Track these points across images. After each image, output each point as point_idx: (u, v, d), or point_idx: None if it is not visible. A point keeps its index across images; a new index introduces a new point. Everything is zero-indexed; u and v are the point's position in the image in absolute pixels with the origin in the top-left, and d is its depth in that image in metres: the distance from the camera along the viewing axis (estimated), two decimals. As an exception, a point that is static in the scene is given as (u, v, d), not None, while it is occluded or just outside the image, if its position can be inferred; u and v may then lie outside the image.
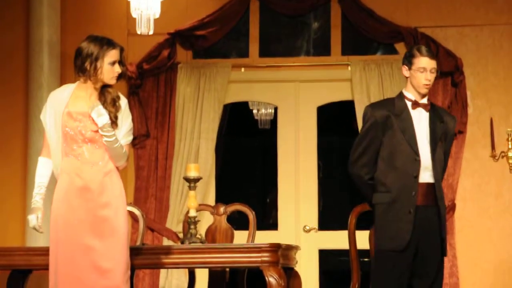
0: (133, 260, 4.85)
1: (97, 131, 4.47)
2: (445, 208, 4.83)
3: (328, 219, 7.41)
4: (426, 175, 4.75)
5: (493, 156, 7.12)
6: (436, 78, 7.07)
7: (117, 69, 4.48)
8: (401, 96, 4.87)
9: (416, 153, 4.72)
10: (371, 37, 7.37)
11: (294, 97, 7.45)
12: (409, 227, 4.69)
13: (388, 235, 4.73)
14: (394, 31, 7.26)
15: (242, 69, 7.47)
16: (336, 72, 7.41)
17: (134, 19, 6.19)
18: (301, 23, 7.53)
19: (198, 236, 5.45)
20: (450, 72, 7.16)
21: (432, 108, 4.86)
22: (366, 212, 6.01)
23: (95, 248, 4.40)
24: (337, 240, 7.11)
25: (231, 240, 5.99)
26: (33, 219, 4.51)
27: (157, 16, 6.20)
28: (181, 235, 6.56)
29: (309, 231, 7.28)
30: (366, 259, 6.22)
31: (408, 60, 4.81)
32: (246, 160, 8.04)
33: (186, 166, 5.81)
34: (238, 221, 6.67)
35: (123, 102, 4.56)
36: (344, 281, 6.05)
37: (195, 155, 7.23)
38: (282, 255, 5.15)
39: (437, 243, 4.78)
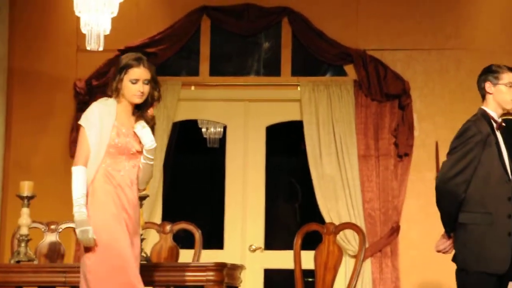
0: (69, 279, 4.83)
1: (139, 151, 4.47)
2: None
3: (274, 239, 7.43)
4: None
5: (438, 179, 7.21)
6: (385, 100, 7.26)
7: (140, 87, 4.44)
8: (486, 114, 4.75)
9: (508, 175, 4.66)
10: (321, 59, 7.44)
11: (243, 116, 7.48)
12: (509, 250, 4.60)
13: (491, 258, 4.58)
14: (343, 53, 7.34)
15: (192, 87, 7.48)
16: (285, 92, 7.46)
17: (84, 34, 6.16)
18: (251, 43, 7.57)
19: (143, 254, 5.42)
20: (397, 95, 7.26)
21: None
22: (311, 232, 6.05)
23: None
24: (283, 260, 7.13)
25: (177, 259, 5.98)
26: (90, 231, 4.33)
27: (107, 32, 6.17)
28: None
29: (254, 250, 7.29)
30: (310, 279, 6.26)
31: (493, 76, 4.73)
32: (194, 178, 8.02)
33: (133, 184, 5.76)
34: (184, 240, 6.65)
35: None
36: (289, 301, 6.08)
37: (143, 173, 7.19)
38: (227, 275, 5.15)
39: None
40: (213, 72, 7.50)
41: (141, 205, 5.50)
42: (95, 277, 4.36)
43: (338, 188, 7.14)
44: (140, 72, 4.46)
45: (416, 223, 7.23)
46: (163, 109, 7.30)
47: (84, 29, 6.13)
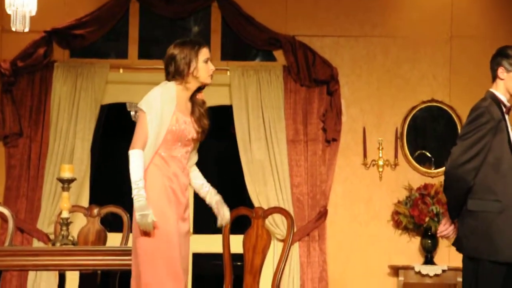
0: (1, 261, 4.73)
1: (194, 139, 4.46)
2: None
3: (203, 223, 7.42)
4: None
5: (365, 164, 7.33)
6: (313, 86, 7.33)
7: (211, 66, 4.49)
8: (496, 98, 4.61)
9: None
10: (250, 44, 7.45)
11: (172, 100, 7.42)
12: None
13: (504, 246, 4.48)
14: (272, 39, 7.36)
15: (121, 70, 7.41)
16: (215, 77, 7.14)
17: (9, 15, 6.02)
18: (181, 26, 7.53)
19: (70, 238, 5.36)
20: (326, 80, 7.32)
21: None
22: (240, 217, 6.07)
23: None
24: (212, 244, 7.14)
25: (104, 242, 5.93)
26: (150, 215, 4.26)
27: (34, 13, 6.04)
28: (52, 237, 6.44)
29: (183, 234, 7.28)
30: (239, 263, 6.28)
31: (508, 62, 4.58)
32: (122, 162, 7.94)
33: (60, 167, 5.71)
34: (112, 224, 6.60)
35: None
36: (217, 285, 6.09)
37: (70, 156, 7.12)
38: (156, 258, 5.11)
39: None
40: (142, 55, 7.45)
41: (68, 188, 5.45)
42: (141, 260, 4.32)
43: (267, 173, 7.18)
44: (208, 51, 4.52)
45: (343, 207, 7.32)
46: (91, 92, 7.23)
47: (9, 9, 5.99)
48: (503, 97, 4.62)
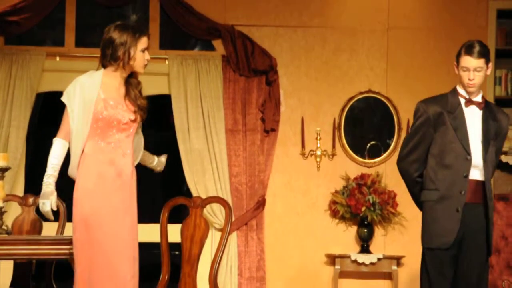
0: None
1: (133, 121, 4.45)
2: (493, 207, 4.74)
3: (141, 212, 7.37)
4: (476, 173, 4.69)
5: (303, 154, 7.38)
6: (252, 76, 7.33)
7: (147, 56, 4.50)
8: (455, 92, 4.78)
9: (467, 152, 4.66)
10: (189, 33, 7.42)
11: (110, 89, 7.36)
12: (456, 225, 4.62)
13: (434, 233, 4.66)
14: (211, 28, 7.35)
15: (57, 58, 7.31)
16: (153, 66, 7.33)
17: None
18: (119, 14, 7.47)
19: (4, 227, 5.30)
20: (265, 71, 7.34)
21: (486, 106, 4.77)
22: (178, 206, 6.06)
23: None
24: (149, 233, 7.10)
25: (39, 232, 5.87)
26: (47, 204, 4.31)
27: (-33, -2, 5.94)
28: (-15, 226, 6.33)
29: (121, 224, 7.23)
30: (176, 253, 6.27)
31: (456, 58, 4.74)
32: (58, 151, 7.86)
33: (-6, 155, 5.63)
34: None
35: None
36: (154, 275, 6.08)
37: (5, 144, 7.02)
38: (92, 248, 5.08)
39: (482, 242, 4.71)
40: (79, 43, 7.37)
41: (2, 177, 5.37)
42: (77, 251, 4.38)
43: (205, 162, 7.17)
44: (147, 41, 4.52)
45: (280, 197, 7.36)
46: (26, 80, 7.12)
47: None
48: (461, 90, 4.79)
